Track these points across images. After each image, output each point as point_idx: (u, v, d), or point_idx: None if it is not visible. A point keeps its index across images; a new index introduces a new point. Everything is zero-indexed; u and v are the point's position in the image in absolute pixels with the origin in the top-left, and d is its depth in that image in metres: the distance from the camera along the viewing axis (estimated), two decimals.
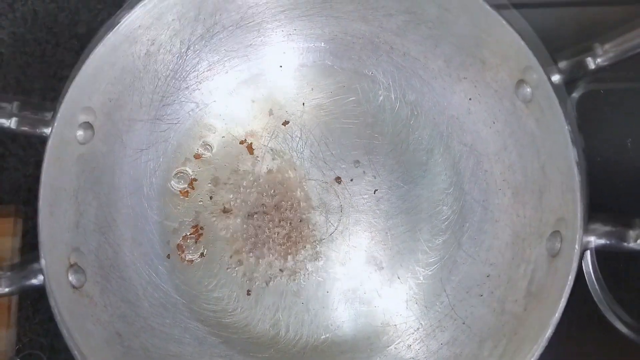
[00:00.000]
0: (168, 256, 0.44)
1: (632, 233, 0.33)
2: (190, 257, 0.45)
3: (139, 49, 0.41)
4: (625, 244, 0.33)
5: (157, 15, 0.40)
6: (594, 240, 0.34)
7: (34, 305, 0.48)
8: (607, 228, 0.34)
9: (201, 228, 0.45)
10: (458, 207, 0.44)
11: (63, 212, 0.39)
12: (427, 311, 0.43)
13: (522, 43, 0.36)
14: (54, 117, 0.38)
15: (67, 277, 0.38)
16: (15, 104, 0.38)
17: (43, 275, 0.36)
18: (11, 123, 0.38)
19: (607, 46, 0.35)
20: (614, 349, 0.42)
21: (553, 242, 0.36)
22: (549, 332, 0.32)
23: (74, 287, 0.38)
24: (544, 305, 0.35)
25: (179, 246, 0.45)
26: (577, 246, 0.33)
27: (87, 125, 0.40)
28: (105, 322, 0.39)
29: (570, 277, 0.33)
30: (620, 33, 0.35)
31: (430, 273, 0.44)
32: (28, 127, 0.38)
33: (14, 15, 0.55)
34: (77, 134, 0.40)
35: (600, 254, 0.37)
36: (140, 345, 0.40)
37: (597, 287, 0.41)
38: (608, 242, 0.33)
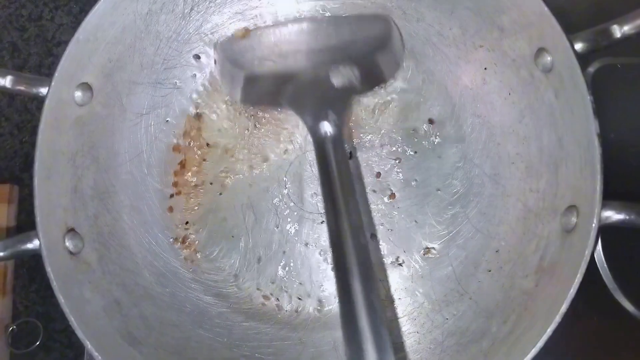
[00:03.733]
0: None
1: None
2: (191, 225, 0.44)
3: (141, 7, 0.40)
4: None
5: None
6: (612, 216, 0.32)
7: (30, 273, 0.48)
8: (626, 203, 0.33)
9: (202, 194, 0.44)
10: (468, 181, 0.43)
11: (60, 176, 0.38)
12: (433, 285, 0.42)
13: (545, 9, 0.34)
14: (51, 76, 0.36)
15: (64, 243, 0.37)
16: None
17: (38, 239, 0.35)
18: (6, 82, 0.37)
19: (634, 14, 0.33)
20: (621, 327, 0.42)
21: (568, 217, 0.35)
22: (563, 307, 0.31)
23: (70, 252, 0.37)
24: (557, 281, 0.34)
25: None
26: (595, 221, 0.32)
27: (86, 87, 0.39)
28: (103, 290, 0.38)
29: (586, 252, 0.32)
30: None
31: (437, 247, 0.43)
32: (24, 87, 0.37)
33: None
34: (75, 95, 0.39)
35: (608, 232, 0.36)
36: (139, 313, 0.39)
37: (605, 265, 0.40)
38: (627, 217, 0.32)
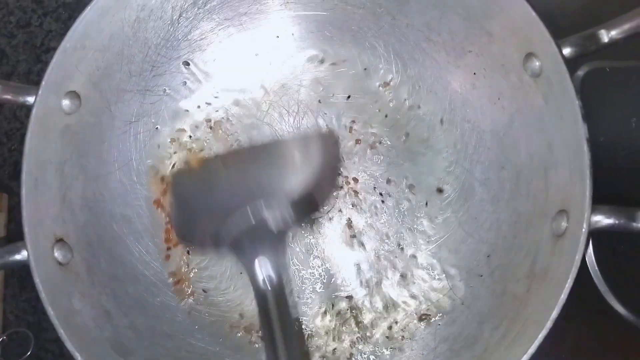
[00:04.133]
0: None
1: None
2: None
3: (129, 15, 0.40)
4: (635, 223, 0.32)
5: None
6: (601, 220, 0.32)
7: (21, 283, 0.47)
8: (615, 208, 0.33)
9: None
10: (459, 186, 0.43)
11: (48, 186, 0.38)
12: (425, 291, 0.42)
13: (534, 14, 0.34)
14: (38, 84, 0.36)
15: (53, 253, 0.37)
16: None
17: (26, 250, 0.35)
18: None
19: (621, 19, 0.33)
20: (613, 329, 0.42)
21: (558, 222, 0.35)
22: (554, 313, 0.31)
23: (59, 263, 0.37)
24: (548, 286, 0.34)
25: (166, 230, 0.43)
26: (584, 225, 0.32)
27: (74, 95, 0.39)
28: (93, 300, 0.38)
29: (577, 257, 0.32)
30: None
31: (428, 252, 0.43)
32: (11, 96, 0.37)
33: None
34: (63, 104, 0.38)
35: (599, 235, 0.36)
36: (129, 323, 0.39)
37: (596, 268, 0.41)
38: (617, 221, 0.32)
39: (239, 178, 0.40)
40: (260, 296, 0.35)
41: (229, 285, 0.43)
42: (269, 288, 0.35)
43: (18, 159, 0.50)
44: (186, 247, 0.43)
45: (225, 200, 0.39)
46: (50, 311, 0.34)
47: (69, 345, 0.34)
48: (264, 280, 0.36)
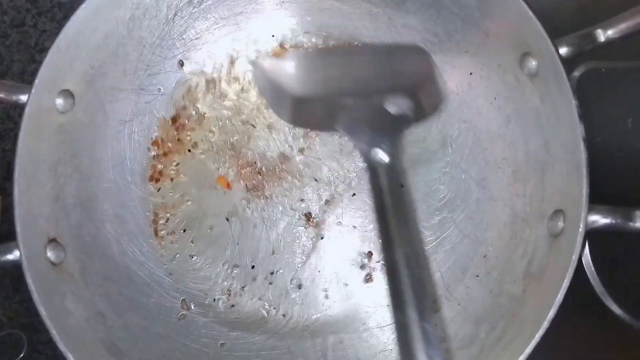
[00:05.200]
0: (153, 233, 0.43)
1: (638, 212, 0.32)
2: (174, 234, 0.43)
3: (123, 13, 0.40)
4: (632, 223, 0.32)
5: None
6: (598, 220, 0.32)
7: (14, 284, 0.47)
8: (612, 207, 0.33)
9: (187, 201, 0.43)
10: (455, 186, 0.43)
11: (41, 185, 0.37)
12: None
13: (530, 13, 0.34)
14: (32, 83, 0.36)
15: (46, 253, 0.36)
16: None
17: (19, 250, 0.34)
18: None
19: (617, 18, 0.34)
20: (609, 331, 0.42)
21: (555, 222, 0.35)
22: (551, 313, 0.31)
23: (52, 263, 0.37)
24: (545, 286, 0.34)
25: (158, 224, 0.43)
26: (581, 225, 0.32)
27: (67, 94, 0.39)
28: (86, 301, 0.38)
29: (573, 257, 0.32)
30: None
31: (425, 253, 0.42)
32: (3, 94, 0.36)
33: None
34: (57, 102, 0.38)
35: (595, 235, 0.36)
36: (123, 324, 0.39)
37: (593, 269, 0.41)
38: (613, 221, 0.32)
39: (345, 68, 0.40)
40: (374, 177, 0.33)
41: (223, 286, 0.42)
42: (383, 170, 0.33)
43: (11, 159, 0.50)
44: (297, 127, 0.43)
45: (335, 84, 0.39)
46: (43, 311, 0.34)
47: (61, 346, 0.34)
48: (380, 162, 0.33)
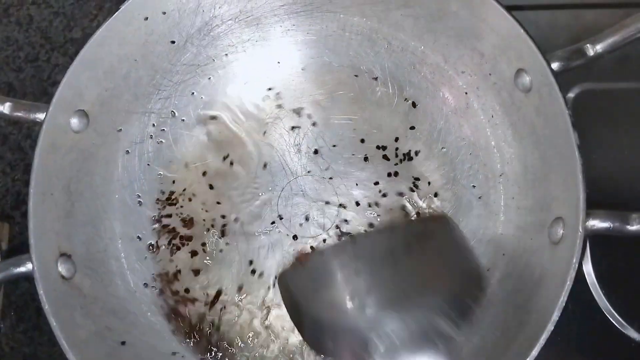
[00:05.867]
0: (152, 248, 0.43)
1: (634, 215, 0.33)
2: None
3: (138, 38, 0.41)
4: (629, 226, 0.33)
5: (156, 4, 0.40)
6: (597, 224, 0.33)
7: (18, 314, 0.47)
8: (610, 212, 0.33)
9: (192, 223, 0.44)
10: (456, 202, 0.44)
11: (55, 200, 0.38)
12: None
13: (521, 30, 0.36)
14: (49, 102, 0.37)
15: (57, 267, 0.37)
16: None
17: (31, 262, 0.35)
18: (5, 108, 0.38)
19: (605, 33, 0.35)
20: (611, 343, 0.42)
21: (555, 229, 0.36)
22: (554, 315, 0.32)
23: (63, 277, 0.37)
24: (547, 292, 0.34)
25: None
26: (580, 230, 0.33)
27: (82, 114, 0.40)
28: (95, 316, 0.38)
29: (574, 261, 0.33)
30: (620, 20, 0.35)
31: None
32: (22, 113, 0.38)
33: (9, 20, 0.55)
34: (72, 122, 0.39)
35: (596, 243, 0.36)
36: (131, 341, 0.39)
37: (595, 280, 0.41)
38: (612, 225, 0.33)
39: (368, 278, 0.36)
40: None
41: (229, 304, 0.43)
42: None
43: (20, 189, 0.51)
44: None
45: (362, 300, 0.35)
46: (53, 322, 0.34)
47: (70, 356, 0.34)
48: None
